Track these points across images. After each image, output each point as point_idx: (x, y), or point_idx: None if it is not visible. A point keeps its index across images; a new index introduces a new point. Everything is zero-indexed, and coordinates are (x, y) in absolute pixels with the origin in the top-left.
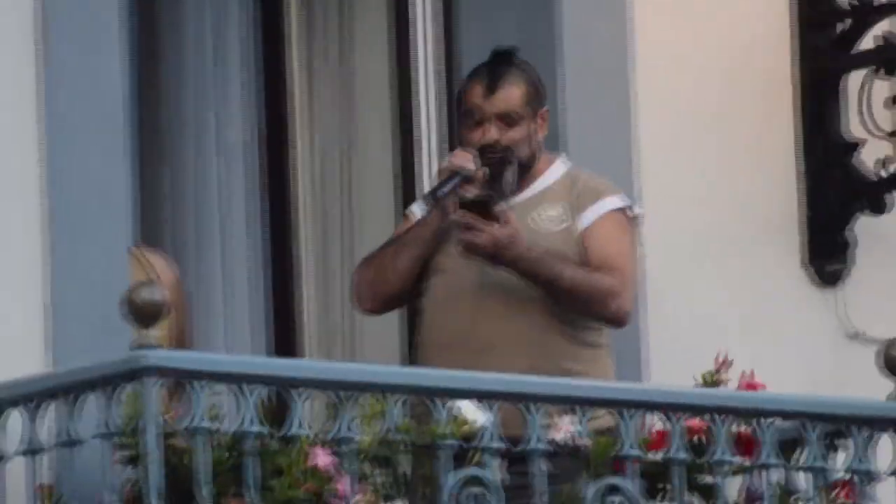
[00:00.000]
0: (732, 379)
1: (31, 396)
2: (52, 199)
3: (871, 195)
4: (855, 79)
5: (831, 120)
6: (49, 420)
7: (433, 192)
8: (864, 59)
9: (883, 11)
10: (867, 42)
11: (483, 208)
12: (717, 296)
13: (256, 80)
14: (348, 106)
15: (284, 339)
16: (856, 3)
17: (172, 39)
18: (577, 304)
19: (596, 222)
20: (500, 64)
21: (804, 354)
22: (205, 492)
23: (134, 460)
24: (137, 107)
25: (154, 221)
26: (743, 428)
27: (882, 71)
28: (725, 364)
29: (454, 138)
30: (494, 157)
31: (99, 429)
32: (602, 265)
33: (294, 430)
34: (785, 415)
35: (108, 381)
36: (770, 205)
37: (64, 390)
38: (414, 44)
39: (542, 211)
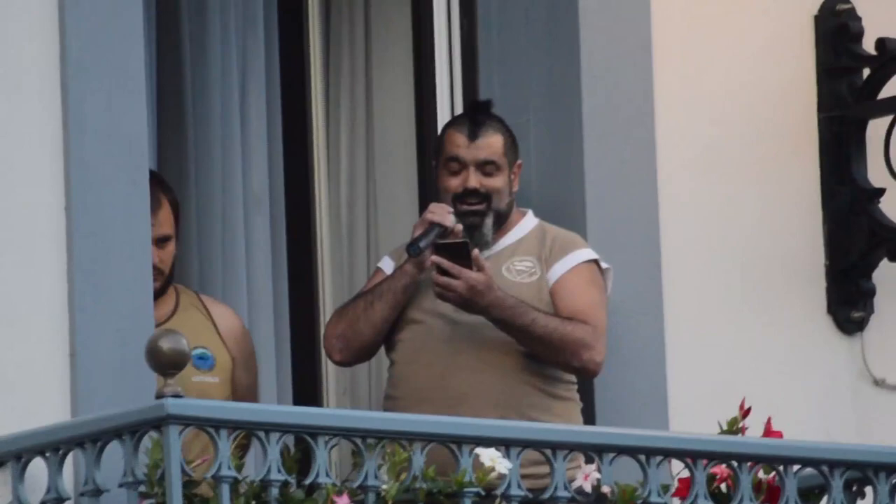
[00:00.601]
0: (753, 426)
1: (54, 445)
2: (76, 246)
3: (893, 243)
4: (878, 126)
5: (854, 167)
6: (68, 469)
7: (414, 243)
8: (888, 107)
9: None
10: (890, 89)
11: (459, 253)
12: (739, 343)
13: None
14: (370, 152)
15: (308, 384)
16: (879, 50)
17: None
18: (549, 352)
19: (566, 275)
20: (479, 113)
21: (827, 401)
22: None
23: None
24: (157, 152)
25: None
26: (767, 476)
27: None
28: (748, 411)
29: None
30: (474, 206)
31: (122, 477)
32: (573, 317)
33: (318, 478)
34: (809, 462)
35: (132, 430)
36: (792, 252)
37: (87, 439)
38: (435, 79)
39: (514, 263)
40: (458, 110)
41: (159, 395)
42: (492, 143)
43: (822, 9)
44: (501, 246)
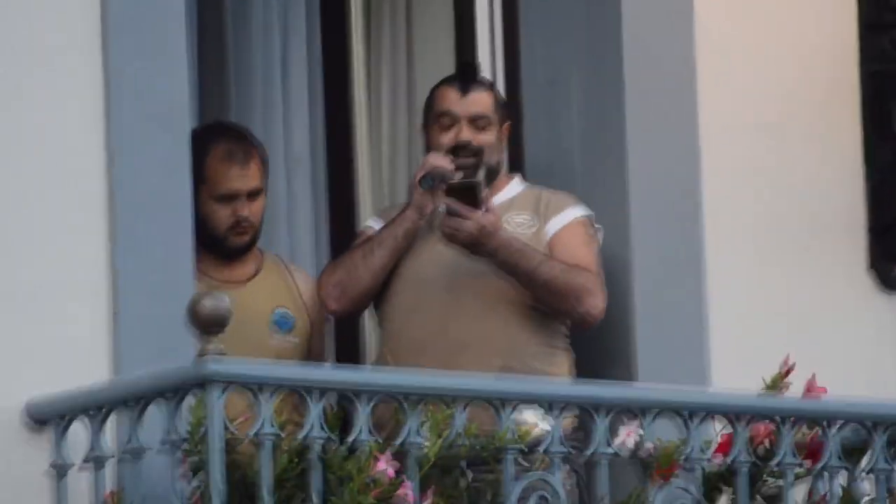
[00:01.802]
0: (796, 382)
1: (96, 405)
2: (117, 209)
3: None
4: None
5: None
6: (110, 429)
7: (426, 177)
8: None
9: None
10: None
11: (467, 197)
12: (781, 299)
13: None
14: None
15: (349, 344)
16: None
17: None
18: (554, 298)
19: (564, 229)
20: (468, 72)
21: (868, 358)
22: (269, 501)
23: (199, 468)
24: (201, 118)
25: None
26: (808, 433)
27: None
28: (790, 368)
29: (514, 143)
30: (467, 159)
31: (165, 437)
32: (573, 266)
33: (360, 437)
34: (851, 418)
35: (174, 390)
36: (834, 208)
37: (130, 398)
38: (476, 39)
39: (510, 217)
40: (499, 70)
41: (202, 354)
42: (483, 98)
43: None
44: (496, 203)
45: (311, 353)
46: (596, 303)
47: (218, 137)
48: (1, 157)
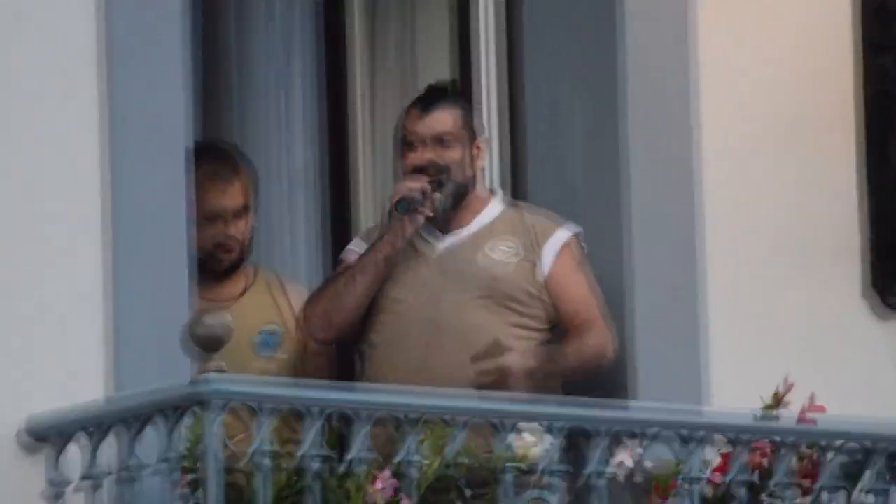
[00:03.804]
0: (794, 403)
1: (94, 422)
2: (115, 226)
3: None
4: None
5: None
6: (108, 446)
7: (401, 201)
8: None
9: None
10: None
11: None
12: (779, 321)
13: (319, 109)
14: None
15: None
16: None
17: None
18: (579, 376)
19: (556, 267)
20: (433, 92)
21: (866, 381)
22: None
23: (197, 486)
24: (202, 124)
25: None
26: (807, 452)
27: None
28: (789, 388)
29: (517, 158)
30: (431, 179)
31: (164, 453)
32: (575, 318)
33: (358, 455)
34: (850, 437)
35: (172, 408)
36: (835, 228)
37: (130, 415)
38: (479, 61)
39: (495, 244)
40: (503, 101)
41: (202, 372)
42: (445, 117)
43: None
44: (478, 225)
45: (305, 370)
46: (608, 351)
47: (203, 157)
48: (0, 177)
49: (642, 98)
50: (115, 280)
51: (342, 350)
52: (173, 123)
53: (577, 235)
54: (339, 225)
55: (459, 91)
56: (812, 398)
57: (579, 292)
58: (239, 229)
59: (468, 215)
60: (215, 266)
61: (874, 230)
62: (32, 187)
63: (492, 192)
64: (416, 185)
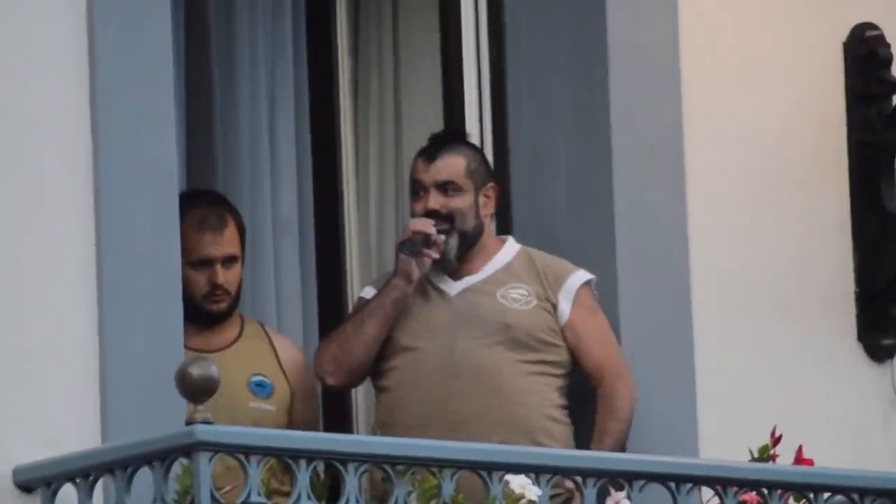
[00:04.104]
0: (784, 453)
1: (85, 471)
2: (105, 274)
3: None
4: None
5: (884, 194)
6: (98, 495)
7: (406, 242)
8: None
9: None
10: None
11: None
12: (769, 371)
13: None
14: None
15: (337, 410)
16: None
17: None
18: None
19: (573, 317)
20: (442, 139)
21: (857, 429)
22: None
23: None
24: (188, 182)
25: None
26: (797, 503)
27: None
28: (778, 438)
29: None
30: (443, 226)
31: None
32: (599, 370)
33: None
34: (839, 489)
35: (162, 456)
36: (822, 279)
37: (117, 465)
38: (464, 103)
39: (508, 290)
40: (487, 134)
41: (189, 422)
42: (450, 164)
43: (851, 35)
44: (490, 271)
45: (294, 421)
46: (634, 404)
47: (192, 204)
48: None
49: (629, 146)
50: (103, 329)
51: (333, 395)
52: (164, 168)
53: (590, 283)
54: (327, 277)
55: (464, 138)
56: (800, 450)
57: (600, 338)
58: (229, 278)
59: (479, 262)
60: (205, 315)
61: (860, 282)
62: (17, 234)
63: (503, 238)
64: (421, 227)
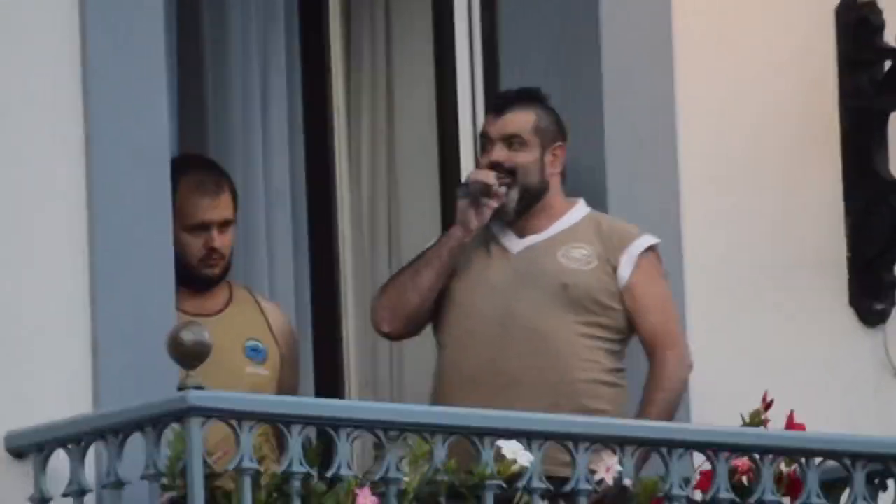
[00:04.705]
0: (776, 418)
1: (76, 437)
2: (97, 242)
3: None
4: None
5: (876, 160)
6: (90, 461)
7: (462, 185)
8: None
9: None
10: None
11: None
12: (760, 335)
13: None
14: (391, 156)
15: (329, 380)
16: None
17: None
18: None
19: (634, 278)
20: (513, 94)
21: (848, 394)
22: None
23: (179, 501)
24: (179, 142)
25: None
26: (788, 468)
27: None
28: (770, 404)
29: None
30: (500, 176)
31: (144, 470)
32: (653, 336)
33: (340, 472)
34: (830, 454)
35: (154, 422)
36: (814, 244)
37: (109, 431)
38: (456, 75)
39: (569, 249)
40: (479, 107)
41: (182, 387)
42: (517, 119)
43: (843, 2)
44: (554, 231)
45: (281, 388)
46: (685, 370)
47: (188, 168)
48: None
49: (622, 124)
50: (94, 295)
51: (326, 361)
52: (155, 133)
53: (655, 246)
54: (319, 245)
55: (544, 97)
56: (791, 416)
57: (657, 304)
58: (224, 242)
59: (546, 220)
60: (200, 278)
61: (851, 247)
62: (11, 200)
63: (573, 199)
64: (482, 177)
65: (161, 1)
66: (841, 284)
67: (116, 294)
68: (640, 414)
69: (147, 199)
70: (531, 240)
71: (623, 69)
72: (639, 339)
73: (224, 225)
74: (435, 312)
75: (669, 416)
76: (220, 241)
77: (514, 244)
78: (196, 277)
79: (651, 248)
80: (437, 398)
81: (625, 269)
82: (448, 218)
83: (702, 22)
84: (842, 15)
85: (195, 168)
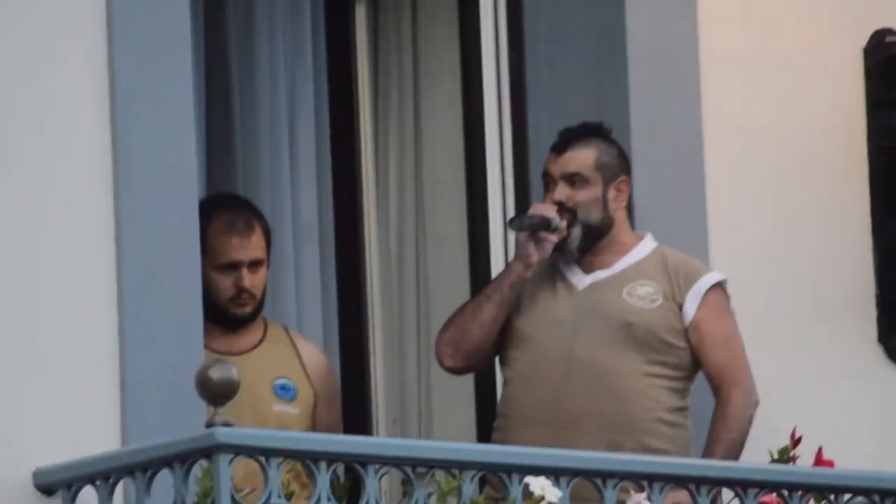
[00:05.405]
0: (805, 455)
1: (105, 474)
2: (126, 276)
3: None
4: None
5: None
6: (119, 498)
7: (516, 217)
8: None
9: None
10: None
11: None
12: (790, 373)
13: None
14: (419, 180)
15: (357, 413)
16: None
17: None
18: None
19: (700, 314)
20: (573, 131)
21: (877, 430)
22: None
23: None
24: (209, 188)
25: None
26: None
27: None
28: (798, 440)
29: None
30: (562, 216)
31: None
32: (721, 375)
33: None
34: (859, 491)
35: (182, 459)
36: (843, 282)
37: (138, 467)
38: (483, 110)
39: (635, 287)
40: (507, 139)
41: (209, 424)
42: (578, 157)
43: (871, 41)
44: (620, 267)
45: (318, 425)
46: (751, 408)
47: (220, 208)
48: (10, 226)
49: (649, 156)
50: (124, 332)
51: (350, 401)
52: (184, 175)
53: (722, 283)
54: (347, 281)
55: (608, 132)
56: (820, 452)
57: (723, 341)
58: (255, 282)
59: (612, 256)
60: (230, 318)
61: (880, 285)
62: (40, 241)
63: (640, 233)
64: (541, 209)
65: (189, 36)
66: (869, 321)
67: (145, 331)
68: (707, 453)
69: (176, 237)
70: (597, 276)
71: (650, 110)
72: (704, 376)
73: (255, 265)
74: (500, 347)
75: (736, 455)
76: (251, 280)
77: (580, 280)
78: (227, 316)
79: (718, 285)
80: (500, 433)
81: (690, 306)
82: (476, 252)
83: (731, 58)
84: (870, 54)
85: (227, 207)
